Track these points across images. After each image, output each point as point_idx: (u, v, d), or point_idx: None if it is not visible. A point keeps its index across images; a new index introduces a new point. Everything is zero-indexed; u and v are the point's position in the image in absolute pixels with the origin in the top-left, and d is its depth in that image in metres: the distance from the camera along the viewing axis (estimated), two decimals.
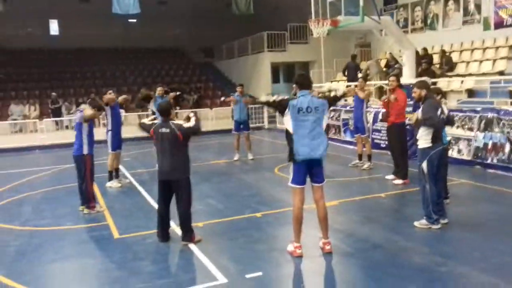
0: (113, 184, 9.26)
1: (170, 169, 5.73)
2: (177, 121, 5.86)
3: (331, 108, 5.95)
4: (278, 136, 15.40)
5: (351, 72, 16.45)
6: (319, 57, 19.08)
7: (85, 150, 7.31)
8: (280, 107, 5.24)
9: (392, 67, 15.51)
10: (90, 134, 7.41)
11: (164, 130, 5.74)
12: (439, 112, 5.86)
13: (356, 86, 9.96)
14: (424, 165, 5.90)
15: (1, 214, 7.68)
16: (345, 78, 17.19)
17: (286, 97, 5.34)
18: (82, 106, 7.55)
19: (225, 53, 26.69)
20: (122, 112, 16.58)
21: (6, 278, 4.99)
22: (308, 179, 5.28)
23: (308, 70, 21.44)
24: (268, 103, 5.41)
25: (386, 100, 8.78)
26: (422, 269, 4.82)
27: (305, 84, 5.28)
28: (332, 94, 5.56)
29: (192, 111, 6.10)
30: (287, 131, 5.27)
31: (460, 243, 5.60)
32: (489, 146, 9.35)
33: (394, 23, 15.56)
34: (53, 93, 19.15)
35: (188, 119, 5.92)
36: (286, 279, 4.89)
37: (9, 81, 21.67)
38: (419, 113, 5.95)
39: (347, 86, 10.35)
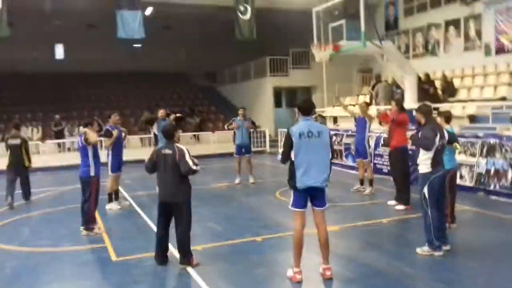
0: (113, 206, 9.21)
1: (172, 191, 5.69)
2: (185, 150, 5.69)
3: (333, 132, 5.86)
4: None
5: None
6: (321, 82, 19.20)
7: (92, 172, 7.33)
8: (289, 148, 5.08)
9: (394, 92, 15.60)
10: (96, 156, 7.43)
11: (167, 151, 5.71)
12: (438, 138, 5.83)
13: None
14: (425, 190, 5.84)
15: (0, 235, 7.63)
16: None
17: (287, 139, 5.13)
18: (82, 130, 7.55)
19: (227, 78, 26.92)
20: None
21: None
22: (309, 203, 5.23)
23: (310, 95, 21.55)
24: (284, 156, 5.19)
25: (379, 115, 8.85)
26: None
27: (308, 109, 5.21)
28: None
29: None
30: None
31: (463, 270, 5.51)
32: (492, 173, 9.28)
33: (396, 48, 15.70)
34: (57, 116, 19.25)
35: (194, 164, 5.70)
36: None
37: (14, 104, 21.83)
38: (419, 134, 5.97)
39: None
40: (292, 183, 5.09)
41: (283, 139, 5.24)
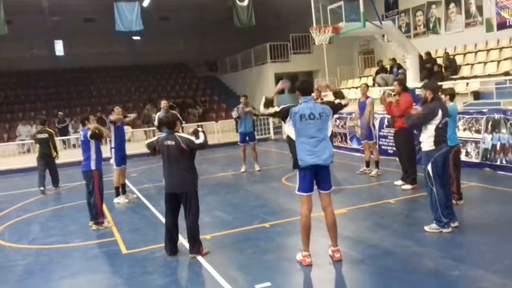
0: (120, 200, 9.26)
1: (178, 182, 5.71)
2: (185, 135, 5.81)
3: (336, 115, 5.85)
4: (285, 147, 15.27)
5: None
6: (323, 66, 19.09)
7: (93, 166, 7.40)
8: (282, 114, 5.19)
9: (395, 72, 15.52)
10: (98, 150, 7.49)
11: (169, 142, 5.73)
12: (440, 117, 5.79)
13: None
14: (429, 168, 5.84)
15: (9, 233, 7.70)
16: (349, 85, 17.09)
17: (287, 105, 5.28)
18: (87, 126, 7.59)
19: (229, 66, 26.81)
20: (129, 128, 16.70)
21: None
22: (315, 187, 5.24)
23: (312, 79, 21.45)
24: (270, 114, 5.36)
25: (385, 101, 8.77)
26: (434, 274, 4.73)
27: (307, 90, 5.26)
28: (337, 101, 5.50)
29: (198, 125, 6.02)
30: (289, 138, 5.24)
31: (472, 246, 5.51)
32: (498, 148, 9.24)
33: (396, 27, 15.56)
34: (60, 112, 19.30)
35: (196, 133, 5.80)
36: None
37: (16, 103, 21.91)
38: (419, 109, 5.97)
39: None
40: (295, 163, 5.12)
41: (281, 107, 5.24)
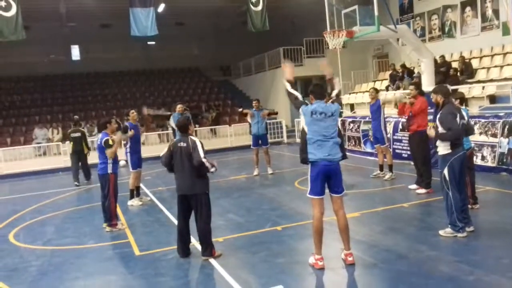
0: (134, 202, 9.32)
1: (189, 184, 5.72)
2: (198, 144, 5.72)
3: (350, 119, 5.86)
4: (298, 150, 15.27)
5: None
6: (337, 70, 19.00)
7: (110, 169, 7.46)
8: (298, 104, 5.30)
9: (403, 78, 15.47)
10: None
11: (182, 144, 5.76)
12: (458, 119, 5.73)
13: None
14: (446, 172, 5.77)
15: (24, 235, 7.79)
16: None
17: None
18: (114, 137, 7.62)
19: (242, 70, 26.88)
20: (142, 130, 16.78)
21: None
22: (327, 191, 5.21)
23: (325, 83, 21.37)
24: (293, 94, 5.38)
25: (403, 104, 8.76)
26: (449, 279, 4.66)
27: (320, 94, 5.31)
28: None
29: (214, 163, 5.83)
30: (302, 132, 5.32)
31: (488, 251, 5.42)
32: None
33: (411, 31, 15.45)
34: (76, 116, 19.42)
35: (212, 164, 5.71)
36: None
37: (33, 106, 22.23)
38: (437, 124, 5.83)
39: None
40: (304, 156, 5.18)
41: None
